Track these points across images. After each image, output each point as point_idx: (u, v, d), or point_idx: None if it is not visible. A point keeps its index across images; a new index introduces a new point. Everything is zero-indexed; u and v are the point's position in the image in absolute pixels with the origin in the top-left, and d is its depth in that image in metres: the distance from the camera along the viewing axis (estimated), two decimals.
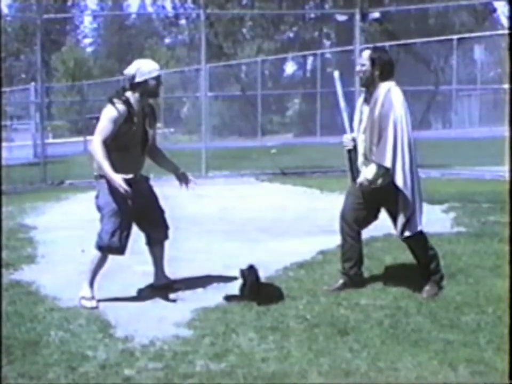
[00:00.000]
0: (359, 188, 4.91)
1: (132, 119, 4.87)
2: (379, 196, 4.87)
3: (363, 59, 4.89)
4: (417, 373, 3.55)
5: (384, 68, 4.83)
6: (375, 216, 5.10)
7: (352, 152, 5.00)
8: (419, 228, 4.85)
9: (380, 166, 4.71)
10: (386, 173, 4.72)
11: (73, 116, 34.30)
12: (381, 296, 4.87)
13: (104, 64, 55.56)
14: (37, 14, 16.16)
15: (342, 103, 5.15)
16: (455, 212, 8.55)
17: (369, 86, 4.88)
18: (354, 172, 5.01)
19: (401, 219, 4.79)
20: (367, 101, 4.93)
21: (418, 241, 4.93)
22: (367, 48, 5.05)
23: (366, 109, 4.91)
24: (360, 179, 4.82)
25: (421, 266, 5.03)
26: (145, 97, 4.99)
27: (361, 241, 5.19)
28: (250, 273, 4.95)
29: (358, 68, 4.93)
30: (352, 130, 5.06)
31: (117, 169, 4.66)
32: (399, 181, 4.69)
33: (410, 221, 4.79)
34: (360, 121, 4.96)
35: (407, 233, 4.83)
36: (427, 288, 4.90)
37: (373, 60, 4.83)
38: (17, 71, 54.05)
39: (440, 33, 27.53)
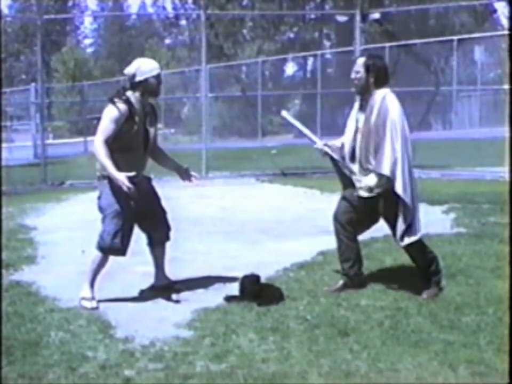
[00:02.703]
0: (357, 195, 4.89)
1: (133, 118, 4.87)
2: (376, 203, 4.86)
3: (357, 66, 4.87)
4: (418, 374, 3.55)
5: (379, 75, 4.82)
6: (375, 220, 5.09)
7: (334, 156, 5.03)
8: (418, 234, 4.84)
9: (380, 175, 4.71)
10: (386, 181, 4.72)
11: (74, 116, 34.27)
12: (381, 297, 4.86)
13: (105, 64, 55.55)
14: (37, 14, 16.15)
15: (303, 129, 5.16)
16: (455, 213, 8.55)
17: (364, 93, 4.87)
18: (343, 178, 5.04)
19: (401, 226, 4.77)
20: (362, 108, 4.92)
21: (415, 246, 4.91)
22: (361, 55, 5.04)
23: (362, 117, 4.89)
24: (363, 189, 4.80)
25: (421, 269, 5.02)
26: (146, 96, 4.99)
27: (357, 241, 5.17)
28: (250, 282, 4.94)
29: (352, 75, 4.90)
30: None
31: (120, 169, 4.66)
32: (399, 188, 4.68)
33: (410, 228, 4.78)
34: (357, 129, 4.94)
35: (406, 241, 4.80)
36: (427, 290, 4.89)
37: (367, 67, 4.82)
38: (17, 72, 54.08)
39: (440, 34, 27.56)
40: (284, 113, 5.30)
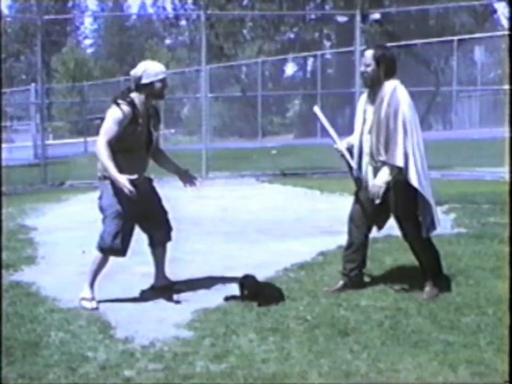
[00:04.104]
0: (374, 192, 4.84)
1: (136, 120, 4.87)
2: (388, 198, 4.83)
3: (367, 59, 4.81)
4: (418, 374, 3.55)
5: (388, 66, 4.79)
6: (385, 218, 5.08)
7: (350, 163, 5.01)
8: (438, 228, 4.85)
9: (392, 167, 4.69)
10: (398, 173, 4.69)
11: (74, 116, 34.33)
12: (381, 297, 4.86)
13: (105, 65, 55.59)
14: (37, 15, 16.17)
15: (329, 128, 5.06)
16: (455, 213, 8.54)
17: (374, 85, 4.82)
18: (356, 178, 5.02)
19: (426, 219, 4.78)
20: (371, 100, 4.89)
21: (423, 243, 4.91)
22: (369, 47, 4.99)
23: (370, 109, 4.85)
24: (377, 185, 4.73)
25: (424, 268, 5.01)
26: (151, 99, 4.99)
27: (367, 245, 5.17)
28: (248, 283, 4.93)
29: (362, 68, 4.86)
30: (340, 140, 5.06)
31: (121, 171, 4.66)
32: (413, 180, 4.65)
33: (433, 220, 4.79)
34: (364, 121, 4.91)
35: (429, 233, 4.83)
36: (427, 289, 4.89)
37: (377, 59, 4.78)
38: (17, 72, 54.13)
39: (440, 34, 27.54)
40: (316, 109, 5.23)
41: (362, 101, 5.02)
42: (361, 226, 5.05)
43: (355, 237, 5.08)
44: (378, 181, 4.74)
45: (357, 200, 5.08)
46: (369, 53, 4.83)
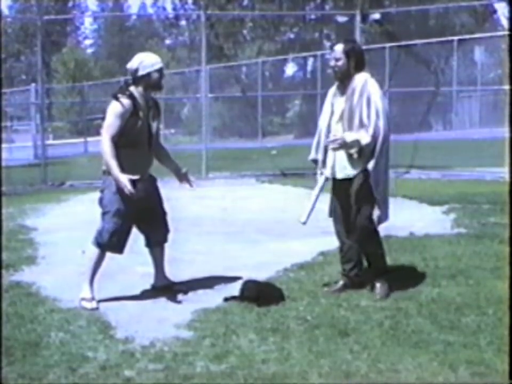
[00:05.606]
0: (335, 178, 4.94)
1: (137, 113, 4.87)
2: (351, 193, 4.89)
3: (337, 53, 4.88)
4: (418, 374, 3.55)
5: (358, 59, 4.89)
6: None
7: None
8: (388, 219, 4.90)
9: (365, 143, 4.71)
10: (364, 159, 4.73)
11: (74, 117, 34.32)
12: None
13: (105, 65, 55.54)
14: (37, 15, 16.18)
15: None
16: (455, 213, 8.54)
17: (345, 79, 4.90)
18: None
19: (379, 207, 4.81)
20: (340, 92, 4.94)
21: (372, 233, 4.93)
22: (338, 42, 5.06)
23: (339, 100, 4.92)
24: (338, 140, 4.75)
25: (373, 263, 5.02)
26: (149, 91, 5.00)
27: None
28: (249, 288, 4.94)
29: (332, 62, 4.93)
30: None
31: (127, 168, 4.67)
32: (370, 165, 4.73)
33: (386, 212, 4.88)
34: (332, 113, 4.97)
35: (379, 223, 4.87)
36: (379, 286, 4.88)
37: (347, 53, 4.86)
38: (17, 72, 54.09)
39: (440, 34, 27.52)
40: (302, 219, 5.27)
41: (329, 95, 5.08)
42: (346, 224, 5.06)
43: (343, 235, 5.10)
44: (341, 137, 4.76)
45: (333, 198, 5.12)
46: (339, 47, 4.91)
